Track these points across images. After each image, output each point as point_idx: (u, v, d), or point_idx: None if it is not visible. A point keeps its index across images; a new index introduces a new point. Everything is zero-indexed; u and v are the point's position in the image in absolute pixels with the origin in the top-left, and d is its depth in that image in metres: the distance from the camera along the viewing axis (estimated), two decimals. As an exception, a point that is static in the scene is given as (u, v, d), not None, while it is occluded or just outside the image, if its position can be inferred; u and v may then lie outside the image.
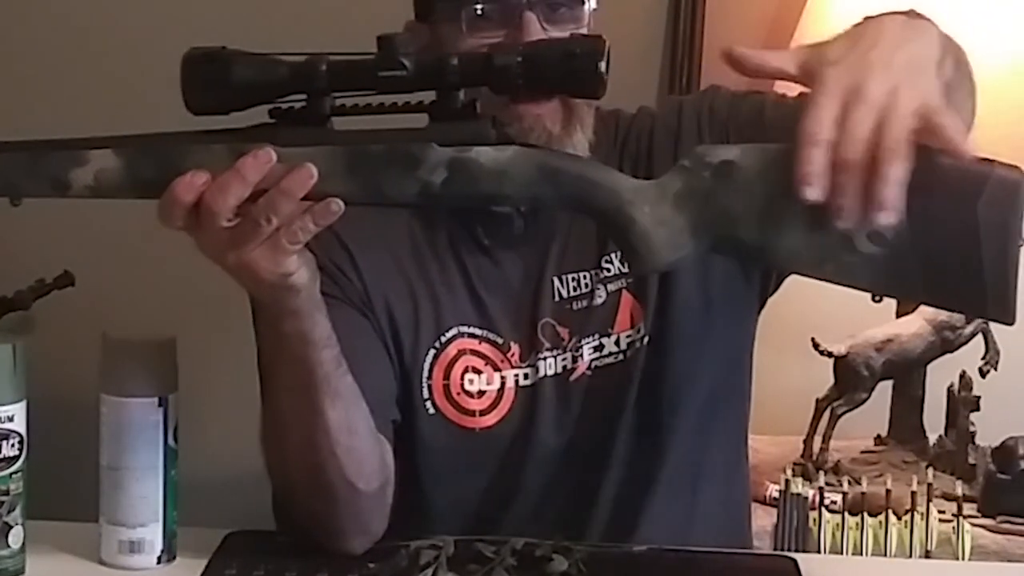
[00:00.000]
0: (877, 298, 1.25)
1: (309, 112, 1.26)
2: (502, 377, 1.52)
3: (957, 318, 2.19)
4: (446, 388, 1.51)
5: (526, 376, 1.53)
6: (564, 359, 1.53)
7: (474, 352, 1.52)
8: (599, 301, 1.53)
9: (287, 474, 1.42)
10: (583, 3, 1.47)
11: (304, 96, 1.26)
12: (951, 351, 2.20)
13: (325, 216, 1.24)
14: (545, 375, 1.53)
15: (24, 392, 1.38)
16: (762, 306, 1.61)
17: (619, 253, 1.52)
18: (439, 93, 1.26)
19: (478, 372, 1.52)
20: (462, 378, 1.52)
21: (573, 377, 1.53)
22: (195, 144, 1.25)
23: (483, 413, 1.52)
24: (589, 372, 1.53)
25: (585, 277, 1.54)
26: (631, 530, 1.52)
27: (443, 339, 1.52)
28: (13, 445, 1.36)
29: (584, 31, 1.46)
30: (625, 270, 1.53)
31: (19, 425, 1.37)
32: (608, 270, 1.54)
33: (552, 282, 1.53)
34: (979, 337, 2.19)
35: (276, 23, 2.20)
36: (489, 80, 1.27)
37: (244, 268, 1.25)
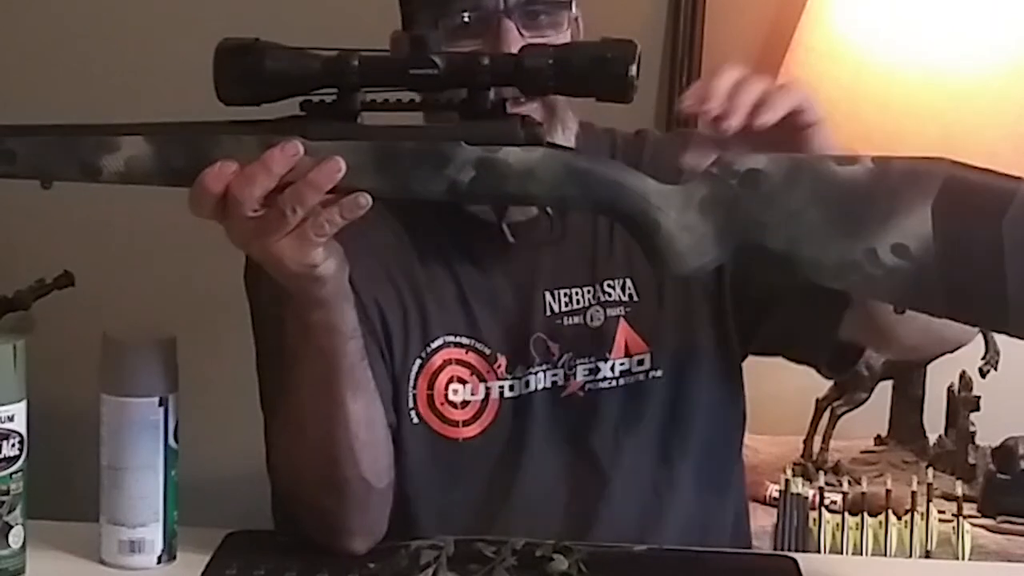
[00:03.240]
0: (899, 310, 1.26)
1: (339, 106, 1.27)
2: (487, 388, 1.51)
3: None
4: (430, 398, 1.50)
5: (511, 388, 1.52)
6: (555, 375, 1.53)
7: (460, 362, 1.51)
8: (596, 323, 1.53)
9: (297, 470, 1.42)
10: (564, 9, 1.46)
11: (335, 90, 1.27)
12: (951, 351, 2.20)
13: (353, 210, 1.25)
14: (535, 389, 1.52)
15: (24, 392, 1.38)
16: (744, 357, 1.59)
17: (620, 281, 1.53)
18: (469, 92, 1.27)
19: (463, 382, 1.51)
20: (446, 388, 1.51)
21: (564, 394, 1.53)
22: (225, 134, 1.26)
23: (466, 424, 1.51)
24: (582, 393, 1.53)
25: (578, 294, 1.54)
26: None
27: (429, 349, 1.51)
28: (13, 445, 1.36)
29: (566, 38, 1.45)
30: (625, 299, 1.53)
31: (19, 425, 1.37)
32: (609, 294, 1.54)
33: (544, 296, 1.53)
34: (979, 337, 2.19)
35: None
36: (519, 81, 1.28)
37: (270, 258, 1.26)
